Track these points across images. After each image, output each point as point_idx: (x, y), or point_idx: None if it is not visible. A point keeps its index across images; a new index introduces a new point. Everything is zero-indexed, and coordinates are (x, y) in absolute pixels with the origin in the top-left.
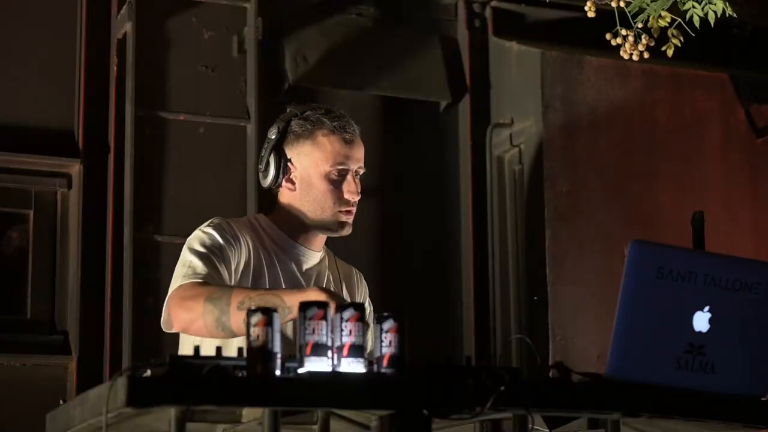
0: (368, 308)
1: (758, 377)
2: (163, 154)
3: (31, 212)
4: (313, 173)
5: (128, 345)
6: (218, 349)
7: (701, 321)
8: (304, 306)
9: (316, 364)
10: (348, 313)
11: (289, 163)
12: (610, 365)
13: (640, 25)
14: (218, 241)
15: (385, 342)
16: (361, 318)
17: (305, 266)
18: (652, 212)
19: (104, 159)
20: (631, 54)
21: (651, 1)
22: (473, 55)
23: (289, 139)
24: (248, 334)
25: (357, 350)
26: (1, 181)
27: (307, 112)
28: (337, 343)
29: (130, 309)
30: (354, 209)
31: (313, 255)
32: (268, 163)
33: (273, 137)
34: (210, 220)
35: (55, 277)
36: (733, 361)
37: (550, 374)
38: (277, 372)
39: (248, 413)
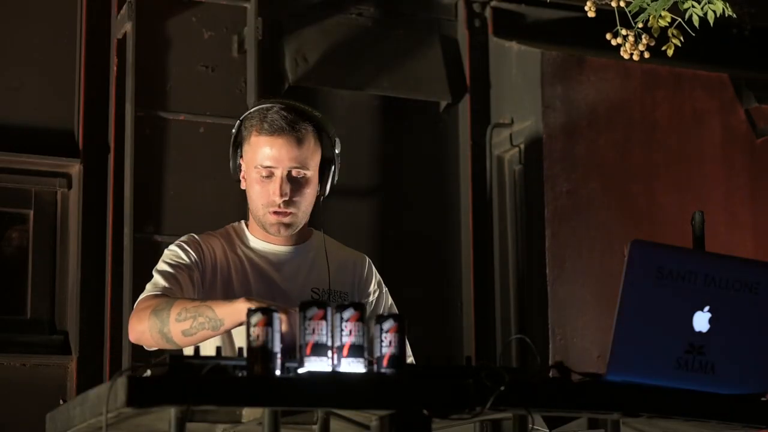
0: (376, 290)
1: (758, 377)
2: (163, 154)
3: (31, 212)
4: (248, 173)
5: (128, 345)
6: (218, 350)
7: (701, 321)
8: (304, 306)
9: (316, 364)
10: (348, 313)
11: (240, 160)
12: (610, 365)
13: (640, 25)
14: (181, 257)
15: (385, 342)
16: (361, 318)
17: (278, 262)
18: (652, 212)
19: (104, 159)
20: (631, 54)
21: (651, 1)
22: (473, 55)
23: (242, 138)
24: (248, 334)
25: (357, 350)
26: (1, 181)
27: (254, 110)
28: (337, 343)
29: (130, 309)
30: (290, 210)
31: (283, 249)
32: (230, 160)
33: (233, 133)
34: (181, 238)
35: (55, 277)
36: (733, 361)
37: (550, 374)
38: (277, 372)
39: (248, 413)
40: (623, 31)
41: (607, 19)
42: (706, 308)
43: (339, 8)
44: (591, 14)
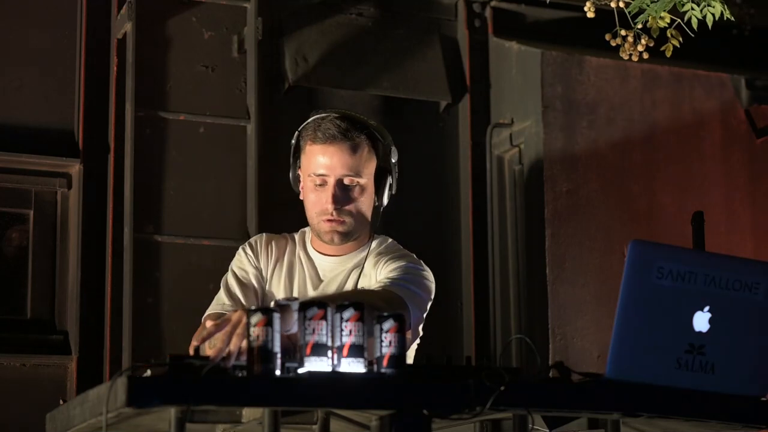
0: (381, 260)
1: (758, 377)
2: (163, 154)
3: (31, 212)
4: (304, 182)
5: (128, 345)
6: None
7: (701, 321)
8: (304, 306)
9: (316, 364)
10: (348, 313)
11: (298, 171)
12: (610, 365)
13: (639, 26)
14: (244, 266)
15: (385, 342)
16: (361, 318)
17: (322, 272)
18: (652, 212)
19: (104, 159)
20: (630, 54)
21: (651, 2)
22: (473, 55)
23: (299, 148)
24: (248, 335)
25: (357, 350)
26: (1, 181)
27: (310, 120)
28: (337, 343)
29: (130, 309)
30: (342, 218)
31: (329, 260)
32: (290, 171)
33: (292, 144)
34: (254, 236)
35: (55, 277)
36: (733, 361)
37: (550, 374)
38: (277, 372)
39: (248, 413)
40: (622, 32)
41: (607, 19)
42: (706, 308)
43: (339, 8)
44: (590, 15)
